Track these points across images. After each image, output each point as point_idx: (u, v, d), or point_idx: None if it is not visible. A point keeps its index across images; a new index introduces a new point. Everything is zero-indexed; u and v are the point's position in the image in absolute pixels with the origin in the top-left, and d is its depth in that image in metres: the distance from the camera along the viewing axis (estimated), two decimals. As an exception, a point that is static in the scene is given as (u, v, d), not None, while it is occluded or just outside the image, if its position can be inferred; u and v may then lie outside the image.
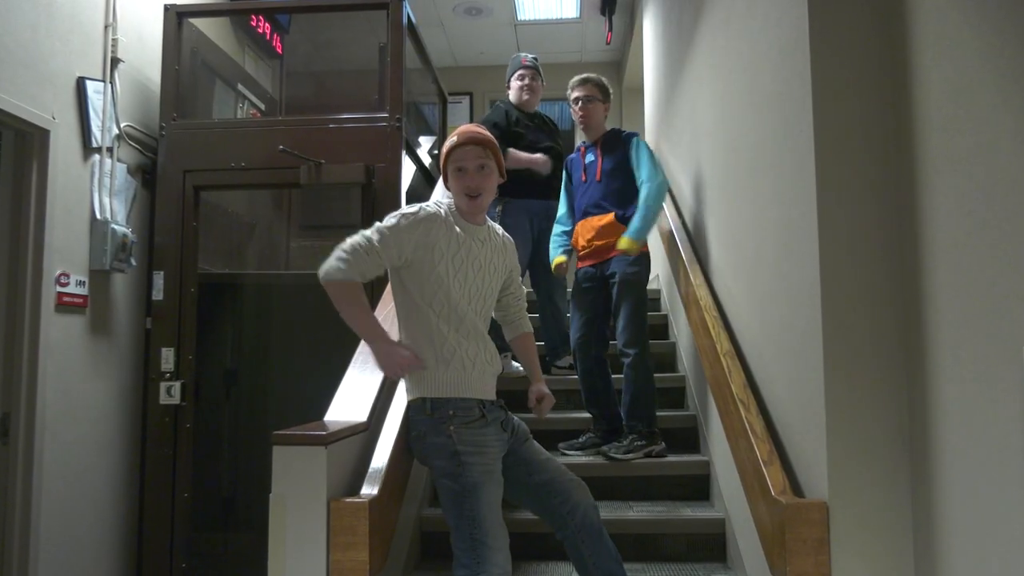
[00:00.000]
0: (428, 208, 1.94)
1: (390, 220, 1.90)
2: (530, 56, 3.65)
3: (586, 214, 3.00)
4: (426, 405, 1.87)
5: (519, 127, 3.50)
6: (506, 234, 2.15)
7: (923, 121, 1.56)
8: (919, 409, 1.59)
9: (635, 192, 2.93)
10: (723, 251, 2.72)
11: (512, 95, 3.61)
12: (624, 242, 2.82)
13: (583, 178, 3.06)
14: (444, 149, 1.99)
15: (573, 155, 3.20)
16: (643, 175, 2.89)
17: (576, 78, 3.06)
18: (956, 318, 1.44)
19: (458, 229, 1.94)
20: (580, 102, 3.01)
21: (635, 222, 2.83)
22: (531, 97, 3.56)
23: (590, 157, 3.06)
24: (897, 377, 1.66)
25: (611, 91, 3.10)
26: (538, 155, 3.42)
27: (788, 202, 1.91)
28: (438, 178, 3.64)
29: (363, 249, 1.85)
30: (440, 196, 1.98)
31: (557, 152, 3.55)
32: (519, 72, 3.58)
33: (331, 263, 1.84)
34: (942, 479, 1.50)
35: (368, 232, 1.88)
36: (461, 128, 2.01)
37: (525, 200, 3.47)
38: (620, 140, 3.01)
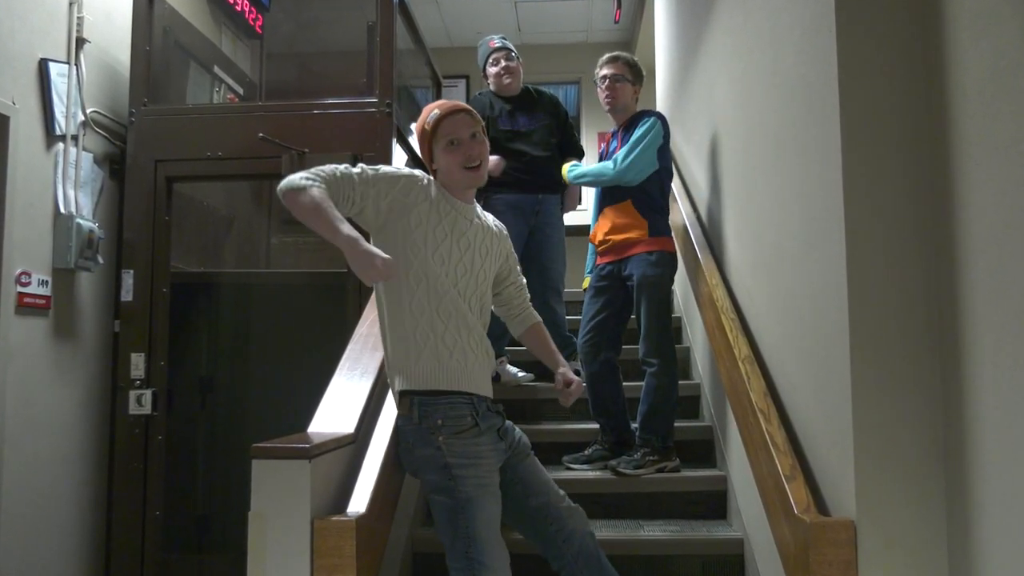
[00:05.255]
0: (411, 171, 1.95)
1: (373, 167, 1.90)
2: (497, 37, 3.66)
3: (604, 206, 3.00)
4: (414, 413, 1.87)
5: (503, 116, 3.49)
6: (498, 221, 2.16)
7: (959, 106, 1.56)
8: (955, 419, 1.59)
9: (661, 179, 2.93)
10: (741, 248, 2.72)
11: (491, 83, 3.61)
12: (564, 168, 3.21)
13: None
14: (426, 125, 1.97)
15: (603, 148, 3.19)
16: (618, 152, 2.89)
17: (606, 56, 3.05)
18: (995, 319, 1.44)
19: (442, 200, 1.95)
20: (607, 81, 2.99)
21: (581, 166, 3.14)
22: (512, 80, 3.56)
23: (613, 144, 3.06)
24: (931, 384, 1.65)
25: (643, 73, 3.07)
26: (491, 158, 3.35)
27: (812, 194, 1.91)
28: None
29: (339, 173, 1.84)
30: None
31: (550, 127, 3.54)
32: (492, 56, 3.58)
33: (294, 177, 1.78)
34: (980, 495, 1.50)
35: (348, 167, 1.87)
36: (435, 104, 2.01)
37: (513, 195, 3.44)
38: (638, 121, 2.96)
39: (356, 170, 1.87)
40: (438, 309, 1.90)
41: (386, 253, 1.74)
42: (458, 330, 1.91)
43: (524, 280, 2.25)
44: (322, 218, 1.71)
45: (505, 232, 2.16)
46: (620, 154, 2.87)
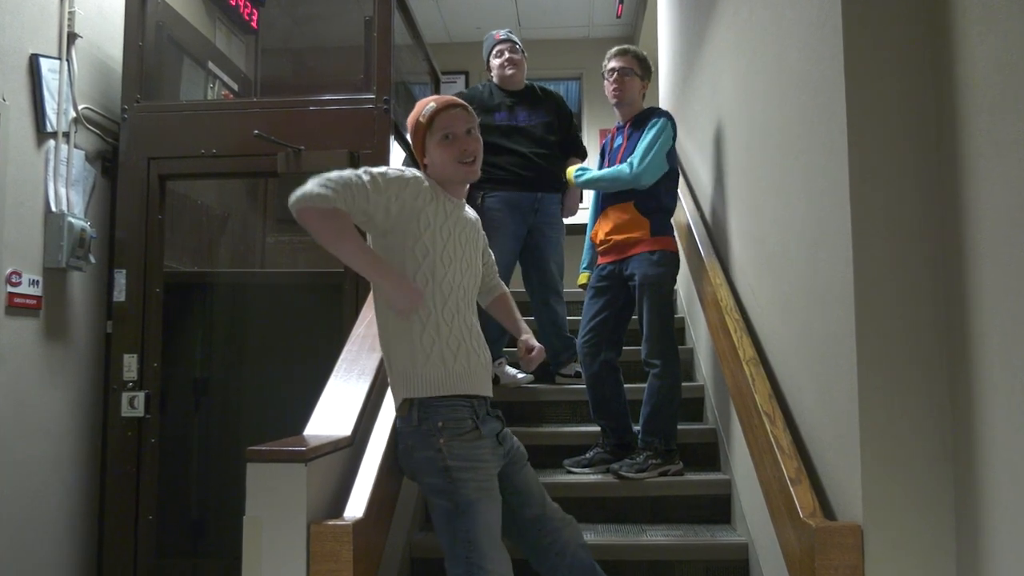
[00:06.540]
0: (415, 171, 1.94)
1: (378, 168, 1.87)
2: (503, 30, 3.69)
3: (606, 205, 3.01)
4: (413, 415, 1.87)
5: (501, 110, 3.51)
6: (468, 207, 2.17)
7: (968, 101, 1.56)
8: (963, 421, 1.59)
9: (665, 179, 2.92)
10: (746, 247, 2.72)
11: (495, 75, 3.63)
12: (569, 172, 3.11)
13: (606, 164, 3.08)
14: (421, 119, 1.98)
15: (605, 141, 3.20)
16: (633, 155, 2.87)
17: (614, 48, 3.06)
18: (1005, 321, 1.44)
19: (444, 199, 1.96)
20: (615, 73, 2.99)
21: (592, 170, 3.03)
22: (516, 72, 3.58)
23: (618, 140, 3.06)
24: (939, 386, 1.65)
25: (652, 69, 3.08)
26: None
27: (818, 192, 1.91)
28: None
29: (354, 183, 1.79)
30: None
31: (550, 125, 3.55)
32: (496, 48, 3.61)
33: (311, 187, 1.75)
34: (989, 499, 1.50)
35: (356, 171, 1.83)
36: (430, 97, 2.03)
37: (510, 192, 3.44)
38: (647, 119, 2.96)
39: (366, 177, 1.82)
40: (443, 312, 1.91)
41: (391, 255, 1.87)
42: (461, 332, 1.93)
43: (493, 255, 2.29)
44: (353, 250, 1.81)
45: (476, 216, 2.15)
46: (636, 157, 2.85)
